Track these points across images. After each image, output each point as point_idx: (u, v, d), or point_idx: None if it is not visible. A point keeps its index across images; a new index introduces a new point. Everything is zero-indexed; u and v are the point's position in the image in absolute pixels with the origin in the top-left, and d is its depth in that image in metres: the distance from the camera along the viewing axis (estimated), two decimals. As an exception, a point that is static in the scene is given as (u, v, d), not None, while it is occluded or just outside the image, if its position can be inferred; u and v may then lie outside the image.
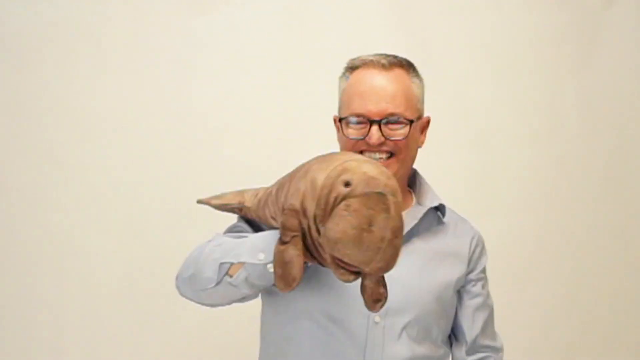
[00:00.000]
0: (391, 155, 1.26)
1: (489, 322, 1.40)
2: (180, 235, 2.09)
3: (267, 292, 1.29)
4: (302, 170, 1.07)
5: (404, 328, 1.23)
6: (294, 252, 1.01)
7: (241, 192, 1.28)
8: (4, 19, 2.04)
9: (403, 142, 1.25)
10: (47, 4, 2.06)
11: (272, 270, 1.07)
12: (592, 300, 2.48)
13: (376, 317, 1.21)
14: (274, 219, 1.14)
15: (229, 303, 1.22)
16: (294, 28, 2.22)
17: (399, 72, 1.27)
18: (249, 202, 1.24)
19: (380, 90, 1.24)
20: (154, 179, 2.11)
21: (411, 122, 1.25)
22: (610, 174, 2.51)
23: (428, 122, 1.34)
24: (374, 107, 1.23)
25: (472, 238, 1.38)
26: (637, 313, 2.54)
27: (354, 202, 0.94)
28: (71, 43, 2.08)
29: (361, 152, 1.22)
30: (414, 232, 1.30)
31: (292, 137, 2.17)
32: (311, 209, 0.99)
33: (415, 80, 1.29)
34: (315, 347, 1.22)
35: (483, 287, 1.39)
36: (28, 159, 2.05)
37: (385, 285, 1.06)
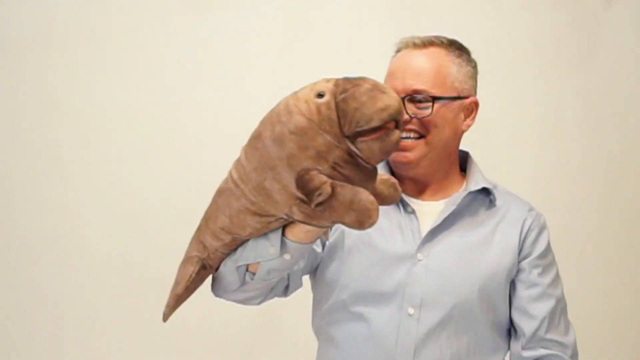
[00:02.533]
0: (420, 136, 1.23)
1: (554, 315, 1.26)
2: (181, 235, 2.09)
3: (314, 287, 1.31)
4: (262, 150, 1.00)
5: (441, 320, 1.19)
6: (347, 189, 0.93)
7: (183, 262, 1.17)
8: (4, 19, 2.04)
9: (429, 120, 1.21)
10: (47, 4, 2.06)
11: (288, 258, 1.06)
12: (592, 300, 2.48)
13: (410, 309, 1.19)
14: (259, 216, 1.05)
15: (270, 291, 1.21)
16: (294, 28, 2.21)
17: (434, 50, 1.24)
18: (201, 252, 1.13)
19: (407, 68, 1.23)
20: (154, 178, 2.11)
21: (435, 99, 1.21)
22: (610, 173, 2.51)
23: (474, 104, 1.28)
24: (400, 85, 1.22)
25: (524, 221, 1.29)
26: (637, 313, 2.54)
27: (344, 89, 0.95)
28: (71, 43, 2.08)
29: None
30: (455, 219, 1.25)
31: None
32: (326, 144, 0.94)
33: (456, 59, 1.26)
34: (349, 340, 1.22)
35: (540, 274, 1.27)
36: (28, 159, 2.05)
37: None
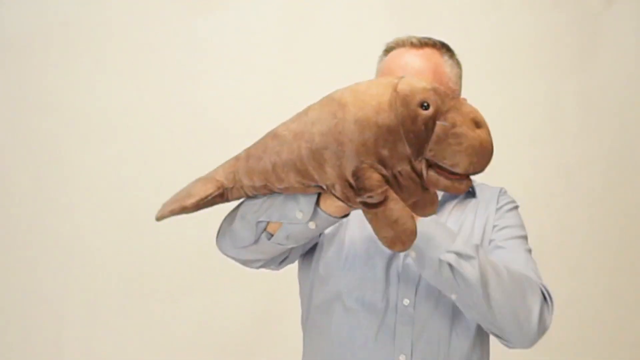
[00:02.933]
0: None
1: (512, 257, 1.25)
2: (181, 236, 2.10)
3: (305, 279, 1.30)
4: (338, 121, 0.95)
5: (435, 307, 1.21)
6: (398, 207, 0.93)
7: (205, 179, 1.13)
8: (4, 19, 2.04)
9: None
10: (47, 4, 2.06)
11: (313, 227, 1.06)
12: (592, 300, 2.48)
13: (405, 299, 1.20)
14: (279, 180, 1.03)
15: (272, 259, 1.21)
16: (294, 28, 2.22)
17: (429, 51, 1.27)
18: (227, 181, 1.10)
19: (406, 66, 1.24)
20: (154, 178, 2.11)
21: None
22: (610, 173, 2.51)
23: None
24: None
25: (498, 200, 1.34)
26: (637, 313, 2.54)
27: (452, 116, 0.92)
28: (71, 43, 2.08)
29: None
30: (440, 209, 1.28)
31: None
32: (400, 153, 0.92)
33: (448, 60, 1.29)
34: (344, 331, 1.22)
35: (504, 237, 1.29)
36: (28, 159, 2.05)
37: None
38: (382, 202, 0.93)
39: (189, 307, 2.11)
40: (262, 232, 1.12)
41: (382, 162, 0.93)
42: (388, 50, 1.30)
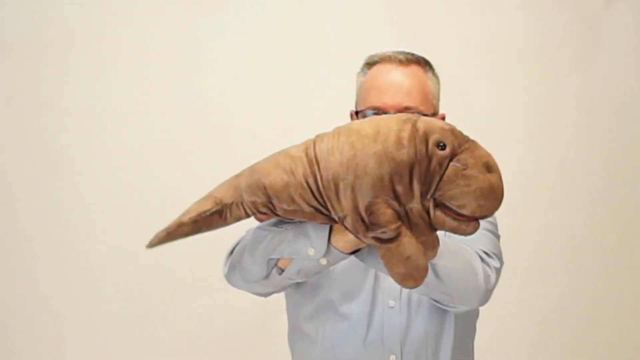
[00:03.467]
0: None
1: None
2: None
3: (294, 291, 1.31)
4: (358, 153, 0.95)
5: (418, 306, 1.24)
6: (411, 243, 0.94)
7: (203, 198, 1.09)
8: (4, 19, 2.04)
9: None
10: (47, 4, 2.06)
11: (324, 263, 1.06)
12: (592, 300, 2.48)
13: (390, 301, 1.23)
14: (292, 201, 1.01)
15: (284, 289, 1.23)
16: (294, 28, 2.22)
17: (415, 69, 1.28)
18: (226, 197, 1.06)
19: (397, 85, 1.26)
20: (154, 178, 2.11)
21: (426, 117, 1.25)
22: (610, 174, 2.51)
23: (443, 119, 1.34)
24: (390, 100, 1.24)
25: None
26: (637, 313, 2.54)
27: (464, 157, 0.93)
28: (71, 43, 2.08)
29: None
30: None
31: (295, 136, 2.16)
32: (413, 190, 0.93)
33: (431, 77, 1.31)
34: (335, 340, 1.24)
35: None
36: (28, 159, 2.05)
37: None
38: (395, 238, 0.93)
39: (189, 307, 2.11)
40: (273, 268, 1.12)
41: (396, 197, 0.93)
42: (371, 64, 1.31)
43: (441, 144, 0.93)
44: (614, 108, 2.52)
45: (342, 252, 1.05)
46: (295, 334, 1.33)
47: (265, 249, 1.11)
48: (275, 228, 1.11)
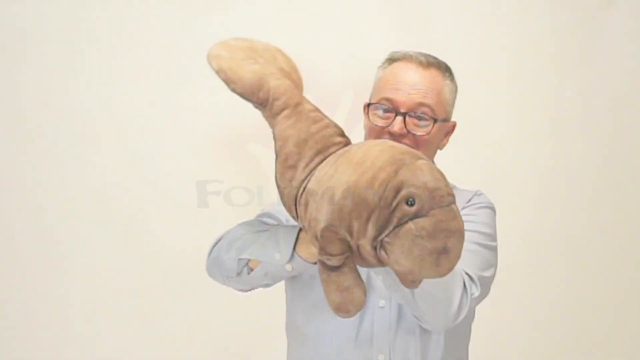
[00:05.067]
0: None
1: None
2: (181, 236, 2.10)
3: (289, 285, 1.33)
4: (329, 178, 0.97)
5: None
6: (352, 276, 0.95)
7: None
8: (4, 19, 2.04)
9: (424, 138, 1.25)
10: (48, 4, 2.06)
11: (289, 269, 1.11)
12: (591, 300, 2.48)
13: (381, 300, 1.25)
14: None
15: (260, 287, 1.25)
16: (294, 28, 2.22)
17: (435, 73, 1.29)
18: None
19: (413, 84, 1.26)
20: (154, 178, 2.11)
21: (435, 120, 1.26)
22: (609, 173, 2.51)
23: (453, 127, 1.36)
24: (403, 97, 1.25)
25: (470, 200, 1.34)
26: (637, 313, 2.54)
27: (424, 223, 0.89)
28: (71, 43, 2.08)
29: None
30: None
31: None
32: (366, 230, 0.92)
33: (449, 83, 1.31)
34: (329, 337, 1.26)
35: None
36: (28, 159, 2.05)
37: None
38: (337, 267, 0.95)
39: (189, 307, 2.11)
40: (244, 267, 1.17)
41: (350, 230, 0.93)
42: (393, 60, 1.31)
43: (410, 200, 0.90)
44: (614, 107, 2.52)
45: (306, 260, 1.10)
46: (290, 328, 1.35)
47: (239, 248, 1.16)
48: (252, 228, 1.18)
